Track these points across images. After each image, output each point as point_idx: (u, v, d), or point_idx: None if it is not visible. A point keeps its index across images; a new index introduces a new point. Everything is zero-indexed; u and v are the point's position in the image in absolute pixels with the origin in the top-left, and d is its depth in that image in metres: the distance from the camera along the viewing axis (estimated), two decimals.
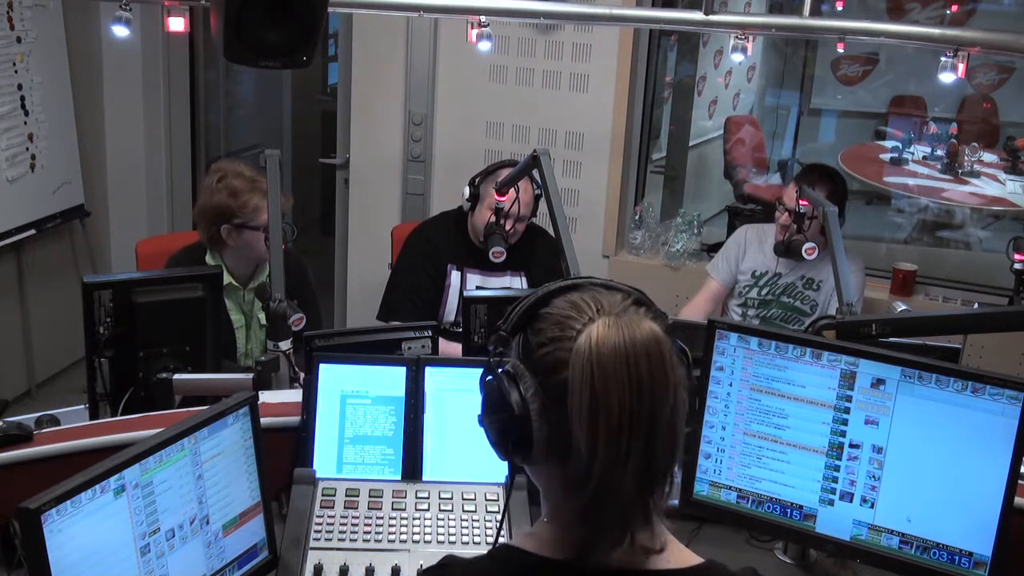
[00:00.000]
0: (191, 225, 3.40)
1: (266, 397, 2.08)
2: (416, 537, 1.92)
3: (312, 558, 1.85)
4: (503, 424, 1.14)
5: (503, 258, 3.18)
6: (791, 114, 6.64)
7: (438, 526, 1.94)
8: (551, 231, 2.69)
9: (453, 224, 3.46)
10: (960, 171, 5.46)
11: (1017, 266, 3.15)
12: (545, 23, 4.13)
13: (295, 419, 2.10)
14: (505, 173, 3.20)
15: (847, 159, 5.73)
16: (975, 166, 5.46)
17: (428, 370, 2.08)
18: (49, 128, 4.52)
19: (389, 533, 1.92)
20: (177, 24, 3.22)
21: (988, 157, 5.58)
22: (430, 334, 2.33)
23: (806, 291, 3.53)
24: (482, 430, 1.19)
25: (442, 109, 4.49)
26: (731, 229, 4.54)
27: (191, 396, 2.36)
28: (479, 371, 1.19)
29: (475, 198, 3.32)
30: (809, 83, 6.65)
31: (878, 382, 1.83)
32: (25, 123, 4.39)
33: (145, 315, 2.31)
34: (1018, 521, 1.82)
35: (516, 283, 3.41)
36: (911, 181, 5.58)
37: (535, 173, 2.94)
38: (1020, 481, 1.78)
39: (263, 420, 1.81)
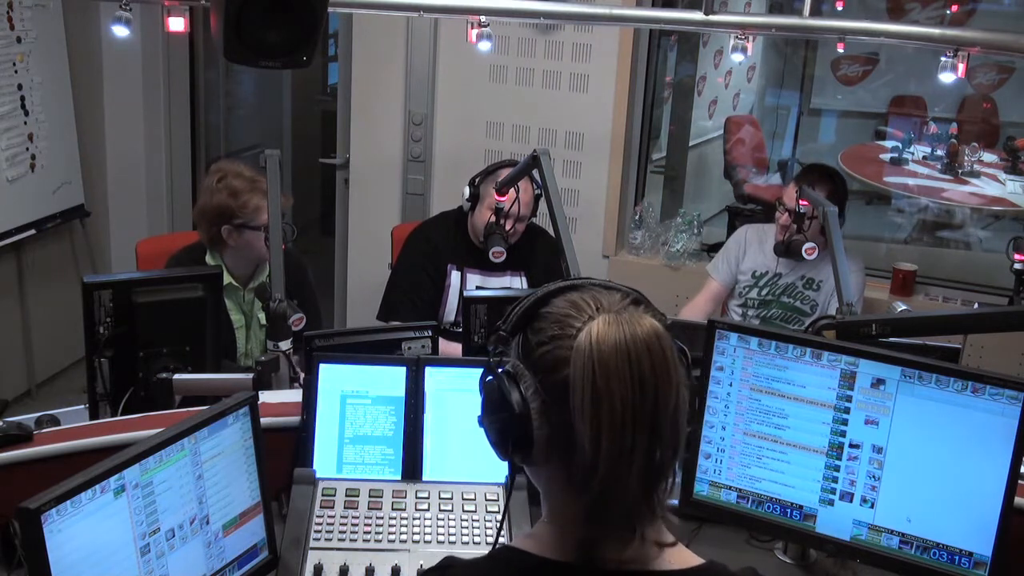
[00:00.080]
0: (191, 225, 3.40)
1: (266, 397, 2.08)
2: (416, 537, 1.92)
3: (312, 558, 1.85)
4: (503, 424, 1.14)
5: (503, 258, 3.18)
6: (791, 114, 6.64)
7: (438, 526, 1.94)
8: (551, 231, 2.69)
9: (453, 224, 3.46)
10: (960, 171, 5.46)
11: (1017, 266, 3.15)
12: (545, 23, 4.13)
13: (295, 419, 2.10)
14: (505, 173, 3.20)
15: (847, 159, 5.73)
16: (975, 166, 5.46)
17: (428, 370, 2.08)
18: (49, 128, 4.52)
19: (389, 533, 1.92)
20: (177, 24, 3.22)
21: (988, 157, 5.58)
22: (430, 334, 2.33)
23: (806, 291, 3.53)
24: (482, 431, 1.19)
25: (442, 109, 4.49)
26: (731, 229, 4.54)
27: (191, 396, 2.36)
28: (479, 371, 1.19)
29: (475, 198, 3.32)
30: (809, 83, 6.65)
31: (878, 382, 1.83)
32: (25, 123, 4.39)
33: (145, 315, 2.31)
34: (1018, 521, 1.82)
35: (516, 283, 3.41)
36: (911, 181, 5.58)
37: (535, 173, 2.94)
38: (1020, 481, 1.78)
39: (263, 420, 1.81)
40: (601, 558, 1.11)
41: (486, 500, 2.00)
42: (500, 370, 1.15)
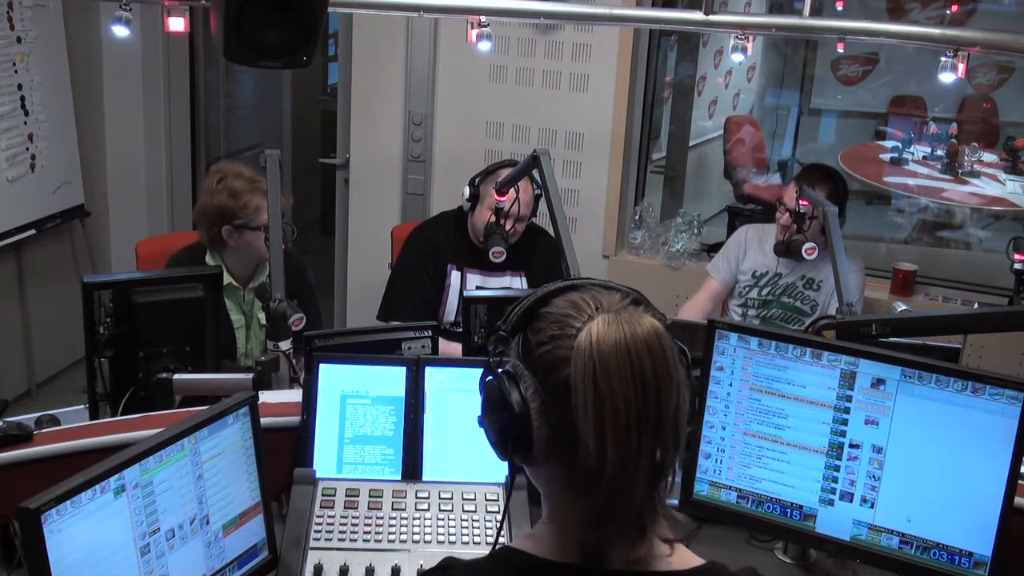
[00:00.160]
0: (191, 225, 3.40)
1: (266, 397, 2.08)
2: (416, 537, 1.92)
3: (312, 558, 1.85)
4: (503, 424, 1.14)
5: (503, 258, 3.18)
6: (791, 114, 6.64)
7: (438, 526, 1.94)
8: (551, 231, 2.69)
9: (453, 224, 3.46)
10: (960, 171, 5.46)
11: (1017, 266, 3.15)
12: (545, 23, 4.13)
13: (295, 419, 2.10)
14: (505, 173, 3.20)
15: (847, 159, 5.73)
16: (975, 166, 5.45)
17: (428, 370, 2.08)
18: (49, 128, 4.52)
19: (389, 533, 1.92)
20: (177, 24, 3.22)
21: (988, 157, 5.58)
22: (430, 334, 2.33)
23: (806, 291, 3.53)
24: (482, 431, 1.19)
25: (442, 109, 4.49)
26: (731, 229, 4.54)
27: (191, 396, 2.36)
28: (479, 371, 1.19)
29: (475, 198, 3.32)
30: (809, 83, 6.65)
31: (878, 382, 1.83)
32: (25, 123, 4.39)
33: (145, 315, 2.31)
34: (1018, 521, 1.82)
35: (516, 283, 3.41)
36: (911, 181, 5.58)
37: (535, 173, 2.94)
38: (1020, 481, 1.78)
39: (263, 420, 1.81)
40: (608, 559, 1.11)
41: (486, 500, 2.00)
42: (500, 370, 1.15)
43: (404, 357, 2.18)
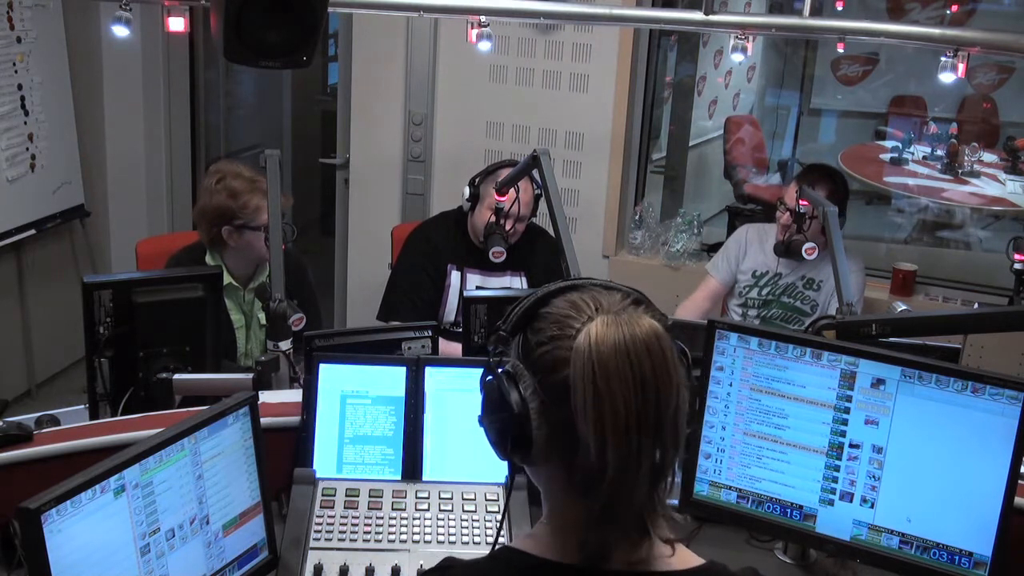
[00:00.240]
0: (191, 225, 3.40)
1: (266, 397, 2.08)
2: (416, 537, 1.92)
3: (312, 558, 1.85)
4: (502, 424, 1.14)
5: (503, 258, 3.18)
6: (791, 114, 6.64)
7: (438, 526, 1.94)
8: (551, 231, 2.69)
9: (453, 224, 3.46)
10: (960, 171, 5.46)
11: (1017, 266, 3.15)
12: (545, 23, 4.13)
13: (295, 419, 2.10)
14: (505, 173, 3.20)
15: (847, 159, 5.73)
16: (975, 166, 5.45)
17: (428, 370, 2.08)
18: (49, 128, 4.52)
19: (389, 533, 1.92)
20: (177, 24, 3.22)
21: (988, 157, 5.58)
22: (430, 334, 2.33)
23: (806, 291, 3.53)
24: (482, 430, 1.19)
25: (442, 109, 4.49)
26: (731, 229, 4.54)
27: (191, 396, 2.36)
28: (479, 371, 1.19)
29: (475, 198, 3.32)
30: (809, 83, 6.64)
31: (878, 382, 1.83)
32: (25, 123, 4.39)
33: (145, 315, 2.31)
34: (1018, 521, 1.82)
35: (516, 283, 3.41)
36: (911, 181, 5.58)
37: (535, 173, 2.93)
38: (1020, 481, 1.78)
39: (263, 420, 1.81)
40: (609, 559, 1.11)
41: (486, 500, 2.00)
42: (500, 370, 1.15)
43: (404, 357, 2.18)
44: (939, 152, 5.65)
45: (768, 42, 6.42)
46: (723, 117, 5.99)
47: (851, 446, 1.87)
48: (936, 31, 3.03)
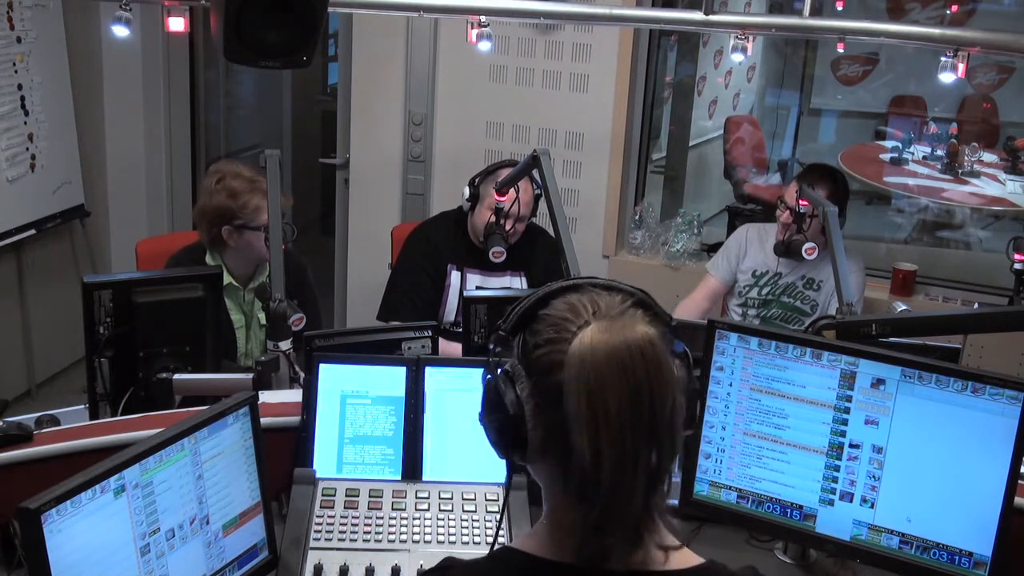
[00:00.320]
0: (191, 225, 3.40)
1: (266, 397, 2.08)
2: (416, 537, 1.92)
3: (312, 558, 1.85)
4: (499, 424, 1.15)
5: (503, 258, 3.18)
6: (791, 114, 6.64)
7: (438, 526, 1.94)
8: (551, 231, 2.69)
9: (453, 224, 3.46)
10: (960, 171, 5.46)
11: (1017, 266, 3.15)
12: (545, 23, 4.13)
13: (295, 419, 2.10)
14: (505, 173, 3.20)
15: (847, 159, 5.73)
16: (975, 166, 5.45)
17: (428, 370, 2.08)
18: (49, 128, 4.52)
19: (389, 533, 1.92)
20: (177, 24, 3.22)
21: (988, 157, 5.58)
22: (430, 334, 2.33)
23: (806, 291, 3.53)
24: (482, 429, 1.19)
25: (442, 109, 4.49)
26: (731, 229, 4.54)
27: (191, 396, 2.36)
28: (479, 371, 1.19)
29: (475, 198, 3.32)
30: (809, 83, 6.64)
31: (878, 382, 1.83)
32: (25, 123, 4.39)
33: (145, 315, 2.31)
34: (1018, 521, 1.82)
35: (516, 283, 3.41)
36: (911, 181, 5.58)
37: (535, 173, 2.94)
38: (1020, 481, 1.78)
39: (263, 420, 1.81)
40: (608, 560, 1.11)
41: (486, 500, 2.00)
42: (499, 370, 1.15)
43: (404, 357, 2.18)
44: (939, 152, 5.65)
45: (768, 42, 6.42)
46: (723, 117, 5.99)
47: (851, 446, 1.87)
48: (936, 31, 3.03)
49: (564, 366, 1.08)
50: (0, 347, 4.52)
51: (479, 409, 1.19)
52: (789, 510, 1.95)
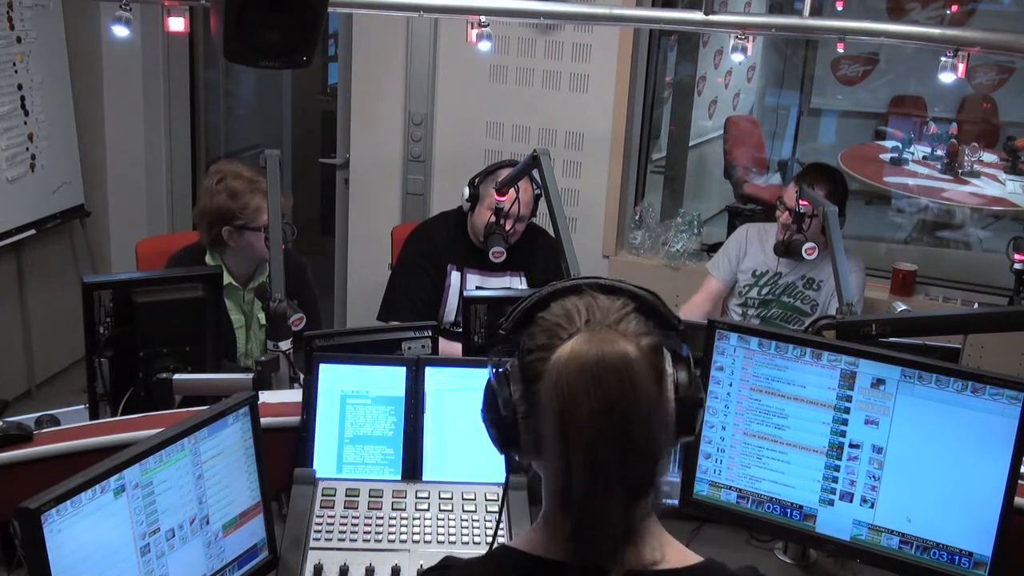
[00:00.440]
0: (191, 225, 3.40)
1: (266, 397, 2.08)
2: (416, 537, 1.92)
3: (312, 558, 1.85)
4: (492, 423, 1.17)
5: (503, 258, 3.18)
6: (791, 114, 6.64)
7: (438, 526, 1.94)
8: (551, 231, 2.69)
9: (453, 224, 3.46)
10: (960, 171, 5.46)
11: (1017, 266, 3.15)
12: (545, 23, 4.13)
13: (295, 419, 2.10)
14: (505, 173, 3.20)
15: (847, 159, 5.73)
16: (975, 166, 5.45)
17: (428, 370, 2.08)
18: (49, 128, 4.52)
19: (389, 533, 1.92)
20: (177, 24, 3.22)
21: (988, 157, 5.58)
22: (430, 334, 2.33)
23: (806, 291, 3.53)
24: (483, 426, 1.20)
25: (442, 109, 4.49)
26: (731, 229, 4.54)
27: (191, 396, 2.36)
28: (479, 371, 1.20)
29: (475, 198, 3.32)
30: (809, 83, 6.64)
31: (878, 382, 1.83)
32: (25, 123, 4.39)
33: (145, 315, 2.31)
34: (1018, 521, 1.82)
35: (516, 283, 3.41)
36: (911, 181, 5.58)
37: (535, 173, 2.94)
38: (1020, 481, 1.78)
39: (263, 420, 1.81)
40: (597, 562, 1.11)
41: (486, 500, 2.00)
42: (500, 370, 1.16)
43: (404, 357, 2.18)
44: (939, 152, 5.65)
45: (768, 42, 6.42)
46: (723, 117, 5.99)
47: (851, 446, 1.87)
48: (936, 31, 3.03)
49: (543, 376, 1.09)
50: (0, 347, 4.52)
51: (481, 406, 1.20)
52: (789, 510, 1.95)
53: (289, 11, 2.50)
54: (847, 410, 1.86)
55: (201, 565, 1.67)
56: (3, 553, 1.79)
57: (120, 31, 3.22)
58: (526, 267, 3.43)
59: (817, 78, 6.60)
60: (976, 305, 3.85)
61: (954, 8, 5.86)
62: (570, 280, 1.18)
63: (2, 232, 4.29)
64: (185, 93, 5.19)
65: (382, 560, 1.86)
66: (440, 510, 1.97)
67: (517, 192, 3.18)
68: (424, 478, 2.05)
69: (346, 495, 1.98)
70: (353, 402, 2.08)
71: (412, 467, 2.06)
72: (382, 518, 1.94)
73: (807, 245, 3.28)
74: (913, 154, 5.74)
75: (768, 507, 1.97)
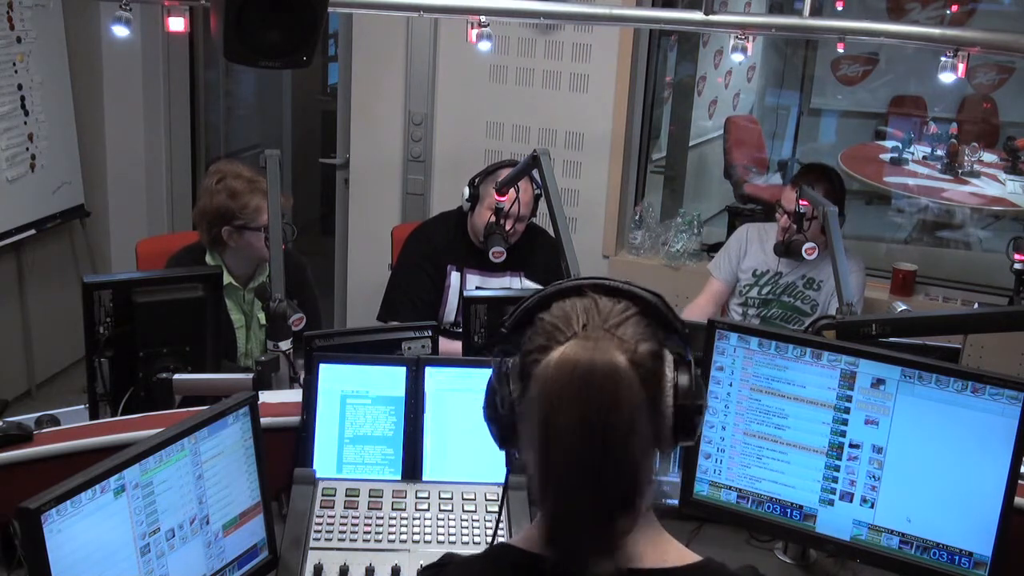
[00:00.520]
0: (191, 225, 3.40)
1: (266, 397, 2.08)
2: (416, 537, 1.92)
3: (312, 558, 1.85)
4: (491, 418, 1.18)
5: (503, 258, 3.18)
6: (791, 114, 6.64)
7: (438, 526, 1.94)
8: (551, 231, 2.69)
9: (453, 224, 3.46)
10: (960, 171, 5.45)
11: (1017, 266, 3.15)
12: (545, 23, 4.13)
13: (295, 419, 2.10)
14: (505, 173, 3.20)
15: (847, 159, 5.73)
16: (975, 166, 5.45)
17: (428, 370, 2.08)
18: (49, 128, 4.52)
19: (389, 533, 1.92)
20: (177, 24, 3.22)
21: (988, 157, 5.58)
22: (430, 334, 2.33)
23: (806, 291, 3.53)
24: (484, 426, 1.21)
25: (442, 109, 4.50)
26: (731, 229, 4.54)
27: (191, 396, 2.36)
28: (479, 371, 1.21)
29: (475, 198, 3.32)
30: (809, 83, 6.64)
31: (878, 382, 1.83)
32: (25, 123, 4.39)
33: (145, 315, 2.31)
34: (1018, 521, 1.82)
35: (516, 283, 3.41)
36: (911, 181, 5.58)
37: (535, 173, 2.93)
38: (1020, 481, 1.78)
39: (263, 420, 1.81)
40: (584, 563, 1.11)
41: (486, 500, 2.00)
42: (503, 369, 1.16)
43: (404, 357, 2.18)
44: (939, 152, 5.65)
45: (768, 42, 6.41)
46: (723, 117, 5.99)
47: (851, 446, 1.87)
48: (936, 31, 3.03)
49: (533, 380, 1.09)
50: (0, 347, 4.52)
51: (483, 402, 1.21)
52: (789, 510, 1.95)
53: (289, 11, 2.50)
54: (847, 410, 1.86)
55: (201, 565, 1.67)
56: (3, 553, 1.79)
57: (120, 31, 3.22)
58: (526, 267, 3.43)
59: (817, 78, 6.60)
60: (976, 305, 3.85)
61: (954, 8, 5.86)
62: (574, 280, 1.17)
63: (2, 232, 4.29)
64: (185, 93, 5.19)
65: (382, 560, 1.86)
66: (440, 510, 1.97)
67: (517, 192, 3.18)
68: (424, 478, 2.05)
69: (346, 495, 1.98)
70: (353, 402, 2.08)
71: (412, 467, 2.06)
72: (382, 518, 1.94)
73: (807, 245, 3.28)
74: (913, 154, 5.74)
75: (768, 507, 1.97)
